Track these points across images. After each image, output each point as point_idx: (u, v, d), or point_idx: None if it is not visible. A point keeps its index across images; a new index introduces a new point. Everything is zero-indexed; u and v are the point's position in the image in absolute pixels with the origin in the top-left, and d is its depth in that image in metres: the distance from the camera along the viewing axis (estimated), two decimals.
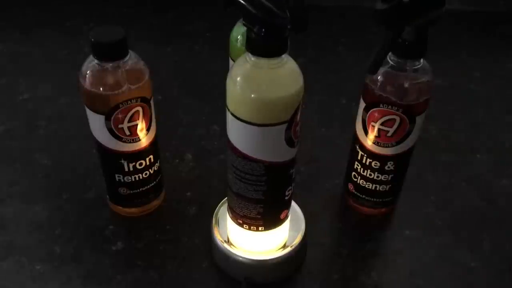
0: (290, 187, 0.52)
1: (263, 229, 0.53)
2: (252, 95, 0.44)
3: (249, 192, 0.50)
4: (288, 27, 0.41)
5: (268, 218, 0.53)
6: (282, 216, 0.54)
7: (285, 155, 0.49)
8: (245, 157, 0.48)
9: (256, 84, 0.45)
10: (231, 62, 0.62)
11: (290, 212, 0.55)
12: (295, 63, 0.46)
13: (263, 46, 0.43)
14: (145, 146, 0.58)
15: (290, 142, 0.47)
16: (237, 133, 0.47)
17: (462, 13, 1.04)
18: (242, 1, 0.41)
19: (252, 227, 0.53)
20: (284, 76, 0.45)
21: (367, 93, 0.56)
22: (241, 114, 0.45)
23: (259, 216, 0.52)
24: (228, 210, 0.55)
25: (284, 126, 0.46)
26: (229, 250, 0.56)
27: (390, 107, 0.54)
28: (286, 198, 0.53)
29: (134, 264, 0.59)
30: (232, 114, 0.46)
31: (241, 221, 0.53)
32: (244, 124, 0.45)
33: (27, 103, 0.82)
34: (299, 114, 0.47)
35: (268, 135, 0.46)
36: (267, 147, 0.47)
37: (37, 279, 0.58)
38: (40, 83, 0.86)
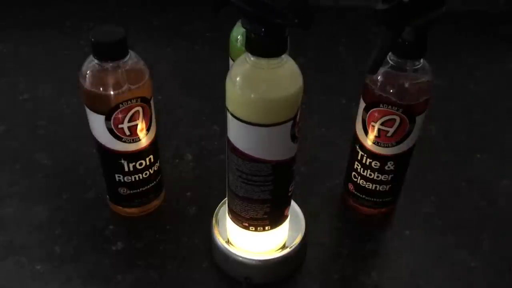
0: (293, 183, 0.52)
1: (269, 228, 0.53)
2: (253, 96, 0.44)
3: (256, 194, 0.50)
4: (296, 21, 0.41)
5: (274, 217, 0.53)
6: (286, 212, 0.54)
7: (290, 152, 0.49)
8: (252, 159, 0.47)
9: (257, 84, 0.45)
10: (231, 62, 0.62)
11: (290, 212, 0.55)
12: (295, 63, 0.46)
13: (263, 46, 0.43)
14: (145, 146, 0.58)
15: (294, 138, 0.48)
16: (242, 136, 0.47)
17: (462, 13, 1.03)
18: (241, 1, 0.41)
19: (258, 228, 0.53)
20: (284, 76, 0.45)
21: (367, 93, 0.56)
22: (244, 116, 0.45)
23: (265, 216, 0.52)
24: (229, 214, 0.55)
25: (290, 123, 0.46)
26: (229, 250, 0.56)
27: (390, 107, 0.54)
28: (290, 194, 0.53)
29: (134, 264, 0.59)
30: (235, 117, 0.46)
31: (247, 224, 0.53)
32: (249, 125, 0.45)
33: (27, 103, 0.82)
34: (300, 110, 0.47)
35: (275, 134, 0.46)
36: (275, 146, 0.47)
37: (37, 279, 0.58)
38: (40, 83, 0.86)
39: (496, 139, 0.78)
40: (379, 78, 0.54)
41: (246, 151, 0.47)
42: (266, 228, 0.53)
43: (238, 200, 0.51)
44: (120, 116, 0.54)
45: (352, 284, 0.59)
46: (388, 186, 0.61)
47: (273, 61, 0.44)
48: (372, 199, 0.63)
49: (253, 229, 0.53)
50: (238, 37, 0.59)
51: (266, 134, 0.46)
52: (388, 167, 0.59)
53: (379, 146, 0.58)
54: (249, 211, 0.52)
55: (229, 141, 0.48)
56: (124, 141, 0.56)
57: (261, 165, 0.48)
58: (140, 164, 0.59)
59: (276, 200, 0.51)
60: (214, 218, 0.59)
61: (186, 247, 0.61)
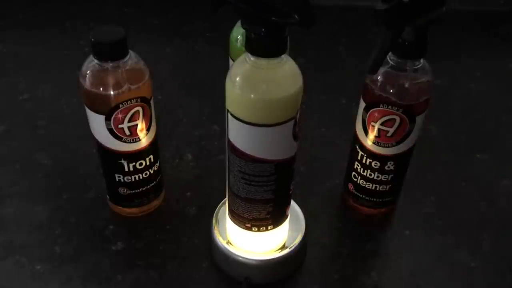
0: (293, 181, 0.53)
1: (272, 227, 0.54)
2: (253, 96, 0.44)
3: (259, 194, 0.50)
4: (297, 17, 0.40)
5: (276, 216, 0.53)
6: (287, 211, 0.54)
7: (291, 151, 0.49)
8: (254, 159, 0.47)
9: (257, 84, 0.45)
10: (231, 62, 0.62)
11: (290, 212, 0.55)
12: (295, 63, 0.46)
13: (263, 46, 0.43)
14: (145, 146, 0.58)
15: (295, 137, 0.48)
16: (244, 136, 0.47)
17: (462, 13, 1.03)
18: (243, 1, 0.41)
19: (261, 228, 0.53)
20: (284, 76, 0.45)
21: (367, 93, 0.56)
22: (245, 116, 0.45)
23: (268, 216, 0.52)
24: (230, 216, 0.55)
25: (292, 123, 0.46)
26: (229, 250, 0.56)
27: (390, 107, 0.54)
28: (291, 192, 0.53)
29: (134, 264, 0.59)
30: (236, 117, 0.46)
31: (249, 225, 0.53)
32: (251, 126, 0.45)
33: (27, 103, 0.82)
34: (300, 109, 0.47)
35: (277, 134, 0.46)
36: (277, 145, 0.47)
37: (37, 279, 0.58)
38: (40, 83, 0.86)
39: (496, 139, 0.78)
40: (379, 78, 0.54)
41: (248, 152, 0.47)
42: (269, 227, 0.53)
43: (241, 202, 0.51)
44: (120, 116, 0.54)
45: (352, 284, 0.59)
46: (388, 186, 0.61)
47: (273, 61, 0.44)
48: (372, 199, 0.63)
49: (256, 229, 0.53)
50: (238, 37, 0.59)
51: (268, 134, 0.46)
52: (388, 167, 0.59)
53: (379, 146, 0.58)
54: (252, 212, 0.52)
55: (229, 142, 0.48)
56: (124, 141, 0.56)
57: (264, 165, 0.48)
58: (140, 164, 0.59)
59: (278, 199, 0.51)
60: (214, 218, 0.59)
61: (186, 247, 0.61)
